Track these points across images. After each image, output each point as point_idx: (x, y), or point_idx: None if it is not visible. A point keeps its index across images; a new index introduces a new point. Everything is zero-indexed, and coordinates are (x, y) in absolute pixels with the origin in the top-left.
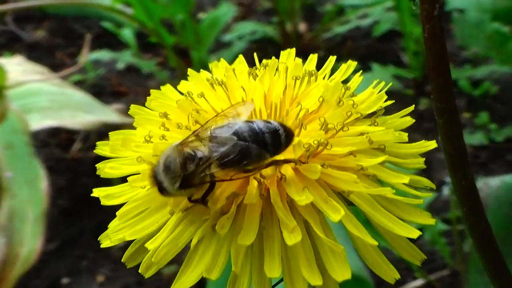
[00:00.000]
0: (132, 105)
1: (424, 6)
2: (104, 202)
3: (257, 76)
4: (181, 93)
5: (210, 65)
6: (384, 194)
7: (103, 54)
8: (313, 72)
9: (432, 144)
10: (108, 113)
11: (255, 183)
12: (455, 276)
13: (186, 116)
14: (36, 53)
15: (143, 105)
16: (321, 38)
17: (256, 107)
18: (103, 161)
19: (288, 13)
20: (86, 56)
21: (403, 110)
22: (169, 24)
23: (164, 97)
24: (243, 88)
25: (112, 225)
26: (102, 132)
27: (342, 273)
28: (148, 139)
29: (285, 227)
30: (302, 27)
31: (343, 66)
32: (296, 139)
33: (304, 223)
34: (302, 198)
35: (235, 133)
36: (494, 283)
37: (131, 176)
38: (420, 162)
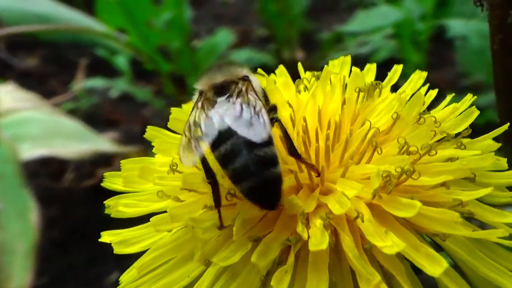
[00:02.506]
0: (148, 127)
1: (496, 12)
2: (119, 250)
3: (307, 89)
4: None
5: None
6: (488, 238)
7: (97, 82)
8: (377, 84)
9: None
10: (102, 142)
11: (317, 222)
12: None
13: None
14: (28, 81)
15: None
16: (319, 66)
17: (310, 126)
18: (115, 197)
19: (285, 40)
20: (81, 82)
21: (494, 131)
22: (164, 51)
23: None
24: (289, 103)
25: (127, 278)
26: (95, 161)
27: None
28: (174, 167)
29: (365, 282)
30: (300, 55)
31: (414, 76)
32: (372, 168)
33: (384, 275)
34: (387, 245)
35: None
36: None
37: (153, 215)
38: (509, 195)
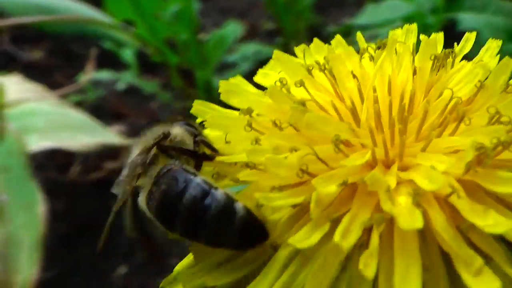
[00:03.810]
0: (195, 101)
1: None
2: None
3: (372, 59)
4: (258, 87)
5: (296, 50)
6: None
7: (103, 74)
8: (449, 53)
9: None
10: (108, 135)
11: (403, 199)
12: None
13: (280, 113)
14: (33, 73)
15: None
16: None
17: (381, 99)
18: None
19: (292, 34)
20: (90, 73)
21: None
22: (172, 44)
23: (240, 89)
24: (353, 74)
25: (183, 265)
26: (102, 154)
27: None
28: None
29: (464, 266)
30: None
31: (491, 44)
32: (458, 140)
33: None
34: (489, 224)
35: None
36: None
37: None
38: None
